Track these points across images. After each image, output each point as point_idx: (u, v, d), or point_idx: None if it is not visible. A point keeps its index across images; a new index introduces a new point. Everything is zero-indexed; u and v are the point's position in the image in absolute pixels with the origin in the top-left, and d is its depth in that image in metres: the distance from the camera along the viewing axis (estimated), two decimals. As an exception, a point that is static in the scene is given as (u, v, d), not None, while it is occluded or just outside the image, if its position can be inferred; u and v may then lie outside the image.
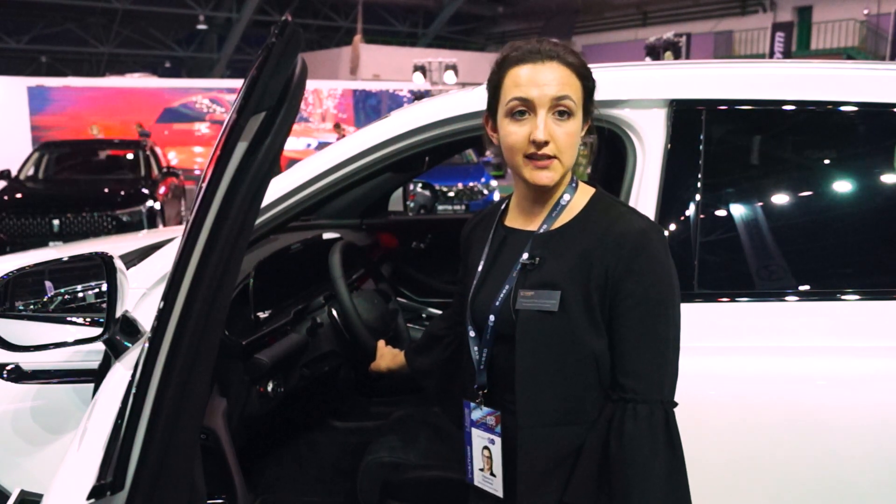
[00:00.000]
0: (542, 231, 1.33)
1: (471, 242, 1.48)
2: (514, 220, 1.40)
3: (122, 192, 8.55)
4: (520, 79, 1.28)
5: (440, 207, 9.88)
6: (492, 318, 1.33)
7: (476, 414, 1.38)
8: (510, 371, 1.29)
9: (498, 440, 1.35)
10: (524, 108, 1.27)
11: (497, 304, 1.32)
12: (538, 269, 1.29)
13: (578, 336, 1.25)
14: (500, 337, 1.33)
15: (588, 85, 1.31)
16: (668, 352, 1.26)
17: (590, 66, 1.34)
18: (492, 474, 1.36)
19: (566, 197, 1.34)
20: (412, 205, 3.86)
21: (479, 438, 1.38)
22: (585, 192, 1.35)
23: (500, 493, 1.35)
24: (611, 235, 1.25)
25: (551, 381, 1.26)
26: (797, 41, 23.02)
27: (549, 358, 1.26)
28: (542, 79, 1.26)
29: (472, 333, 1.38)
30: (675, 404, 1.26)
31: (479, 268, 1.40)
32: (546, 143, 1.25)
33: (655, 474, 1.20)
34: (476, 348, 1.37)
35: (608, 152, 1.76)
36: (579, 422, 1.26)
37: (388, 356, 1.94)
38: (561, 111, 1.26)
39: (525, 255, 1.31)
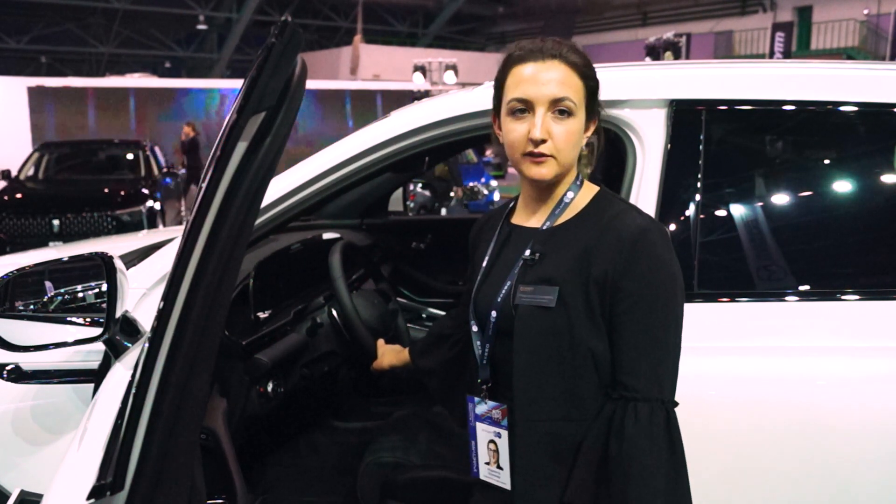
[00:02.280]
0: (544, 227, 1.34)
1: (478, 240, 1.50)
2: (519, 218, 1.42)
3: (122, 192, 8.55)
4: (520, 78, 1.29)
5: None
6: (494, 313, 1.34)
7: (481, 408, 1.39)
8: (511, 366, 1.30)
9: (505, 433, 1.35)
10: (524, 107, 1.28)
11: (499, 299, 1.33)
12: (538, 265, 1.30)
13: (577, 332, 1.25)
14: (502, 332, 1.33)
15: (591, 84, 1.32)
16: (668, 350, 1.26)
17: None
18: (498, 467, 1.37)
19: (570, 195, 1.35)
20: (412, 205, 3.86)
21: (484, 432, 1.39)
22: (589, 190, 1.36)
23: (508, 486, 1.35)
24: (610, 232, 1.26)
25: (549, 376, 1.26)
26: (797, 41, 23.01)
27: (546, 353, 1.26)
28: (541, 78, 1.27)
29: (474, 328, 1.39)
30: (676, 404, 1.26)
31: (484, 263, 1.41)
32: (543, 142, 1.27)
33: (656, 474, 1.20)
34: (479, 343, 1.38)
35: (608, 152, 1.76)
36: (578, 418, 1.26)
37: (390, 354, 1.94)
38: (561, 110, 1.28)
39: (527, 252, 1.32)
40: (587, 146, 1.37)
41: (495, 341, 1.35)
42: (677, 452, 1.23)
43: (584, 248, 1.27)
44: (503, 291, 1.33)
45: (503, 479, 1.36)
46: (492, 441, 1.37)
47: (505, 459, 1.36)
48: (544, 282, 1.28)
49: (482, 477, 1.40)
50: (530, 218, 1.39)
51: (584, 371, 1.26)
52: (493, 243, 1.42)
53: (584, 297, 1.25)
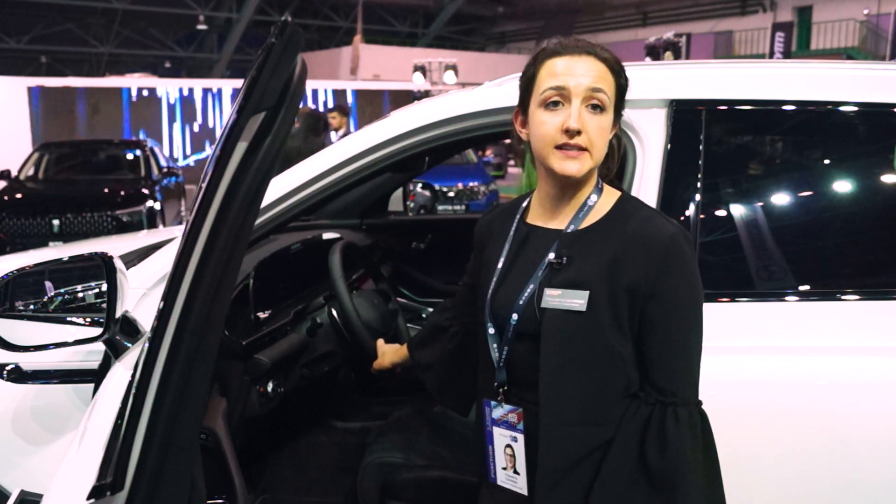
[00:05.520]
0: (569, 230, 1.32)
1: (488, 237, 1.47)
2: (536, 218, 1.39)
3: (122, 192, 8.55)
4: (556, 69, 1.28)
5: (440, 207, 9.88)
6: (515, 316, 1.32)
7: (497, 412, 1.37)
8: (531, 370, 1.29)
9: (521, 437, 1.34)
10: (559, 99, 1.27)
11: (521, 302, 1.31)
12: (566, 269, 1.28)
13: (605, 337, 1.25)
14: (522, 335, 1.32)
15: (621, 82, 1.31)
16: (698, 353, 1.28)
17: None
18: (515, 472, 1.35)
19: (593, 198, 1.33)
20: (412, 205, 3.86)
21: (500, 437, 1.37)
22: (611, 195, 1.35)
23: (524, 492, 1.34)
24: (640, 239, 1.25)
25: (576, 380, 1.26)
26: (797, 41, 23.02)
27: (574, 357, 1.26)
28: (578, 70, 1.27)
29: (491, 331, 1.37)
30: (702, 403, 1.28)
31: (500, 265, 1.38)
32: (578, 133, 1.25)
33: (698, 478, 1.22)
34: (496, 346, 1.36)
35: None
36: (602, 422, 1.26)
37: (390, 352, 1.93)
38: (595, 104, 1.26)
39: (552, 255, 1.31)
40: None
41: (514, 344, 1.34)
42: (713, 453, 1.26)
43: (613, 253, 1.26)
44: (526, 294, 1.31)
45: (520, 485, 1.34)
46: (508, 445, 1.36)
47: (521, 464, 1.34)
48: (573, 285, 1.26)
49: (500, 482, 1.38)
50: (550, 219, 1.36)
51: (610, 375, 1.26)
52: (510, 243, 1.39)
53: (612, 303, 1.25)
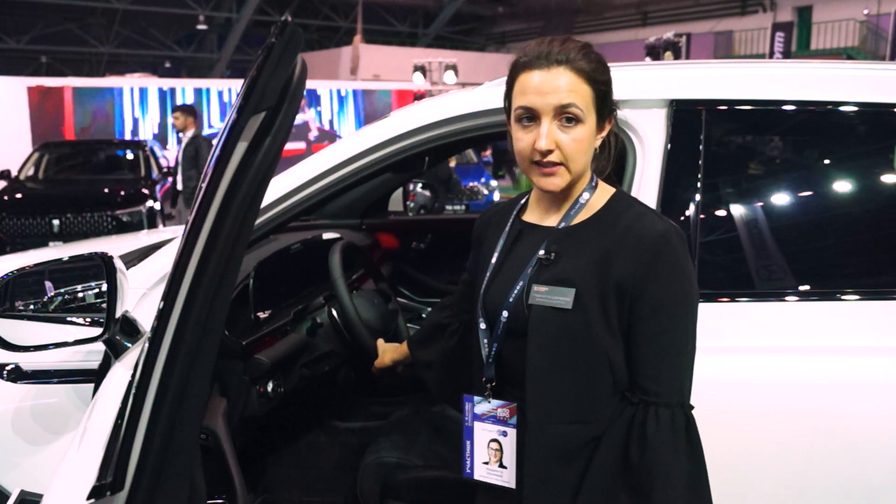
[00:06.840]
0: (560, 227, 1.32)
1: (485, 233, 1.48)
2: (531, 216, 1.40)
3: (122, 192, 8.56)
4: (525, 86, 1.27)
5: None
6: (505, 313, 1.32)
7: (482, 407, 1.38)
8: (520, 366, 1.29)
9: (512, 432, 1.34)
10: (529, 115, 1.27)
11: (511, 299, 1.31)
12: (554, 266, 1.29)
13: (592, 334, 1.24)
14: (512, 332, 1.32)
15: (600, 88, 1.29)
16: (687, 354, 1.27)
17: None
18: (501, 466, 1.36)
19: (585, 195, 1.33)
20: (412, 205, 3.86)
21: (484, 432, 1.38)
22: (605, 191, 1.35)
23: (512, 485, 1.34)
24: (631, 236, 1.25)
25: (562, 378, 1.26)
26: (797, 41, 23.00)
27: (560, 355, 1.25)
28: (546, 87, 1.25)
29: (482, 326, 1.38)
30: (693, 407, 1.26)
31: (493, 260, 1.39)
32: (550, 152, 1.25)
33: (678, 479, 1.20)
34: (486, 341, 1.37)
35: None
36: (590, 420, 1.26)
37: (390, 350, 1.94)
38: (568, 118, 1.26)
39: (541, 251, 1.31)
40: (601, 147, 1.35)
41: (504, 341, 1.34)
42: (698, 457, 1.24)
43: (603, 251, 1.26)
44: (515, 291, 1.31)
45: (506, 478, 1.35)
46: (494, 440, 1.37)
47: (509, 458, 1.35)
48: (560, 283, 1.26)
49: (477, 477, 1.39)
50: (543, 217, 1.37)
51: (598, 374, 1.25)
52: (503, 240, 1.40)
53: (601, 300, 1.24)
